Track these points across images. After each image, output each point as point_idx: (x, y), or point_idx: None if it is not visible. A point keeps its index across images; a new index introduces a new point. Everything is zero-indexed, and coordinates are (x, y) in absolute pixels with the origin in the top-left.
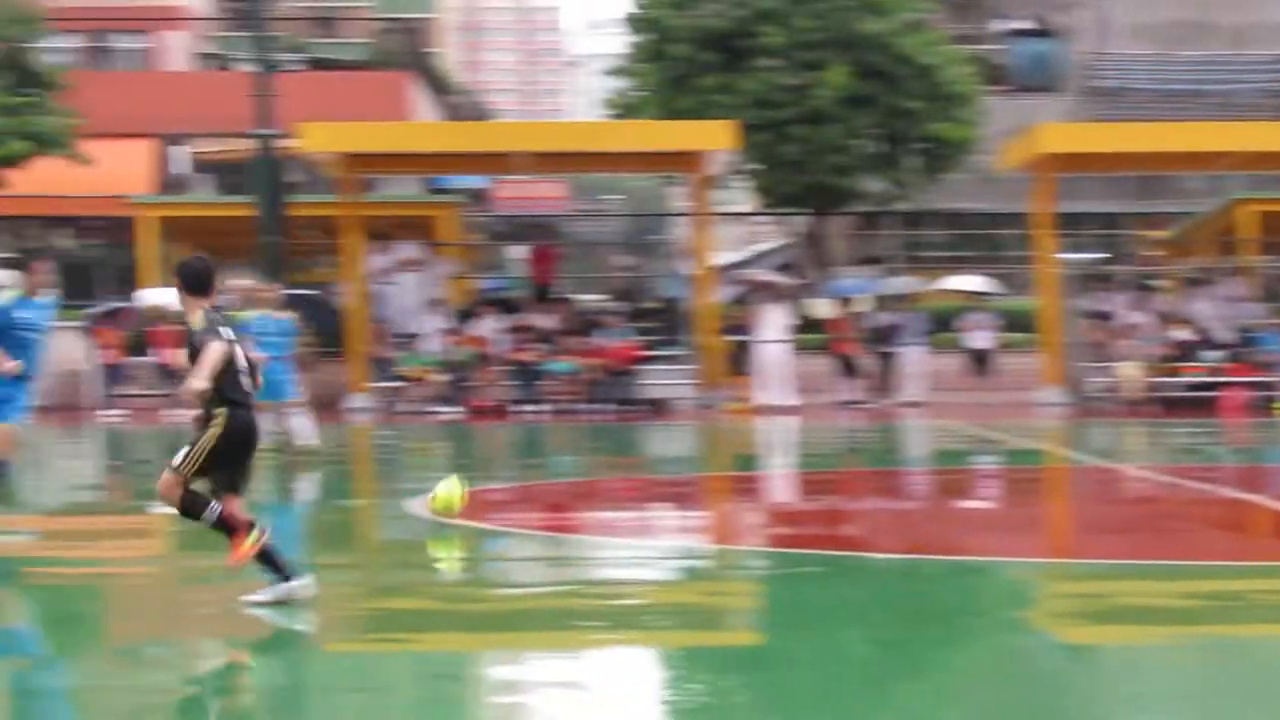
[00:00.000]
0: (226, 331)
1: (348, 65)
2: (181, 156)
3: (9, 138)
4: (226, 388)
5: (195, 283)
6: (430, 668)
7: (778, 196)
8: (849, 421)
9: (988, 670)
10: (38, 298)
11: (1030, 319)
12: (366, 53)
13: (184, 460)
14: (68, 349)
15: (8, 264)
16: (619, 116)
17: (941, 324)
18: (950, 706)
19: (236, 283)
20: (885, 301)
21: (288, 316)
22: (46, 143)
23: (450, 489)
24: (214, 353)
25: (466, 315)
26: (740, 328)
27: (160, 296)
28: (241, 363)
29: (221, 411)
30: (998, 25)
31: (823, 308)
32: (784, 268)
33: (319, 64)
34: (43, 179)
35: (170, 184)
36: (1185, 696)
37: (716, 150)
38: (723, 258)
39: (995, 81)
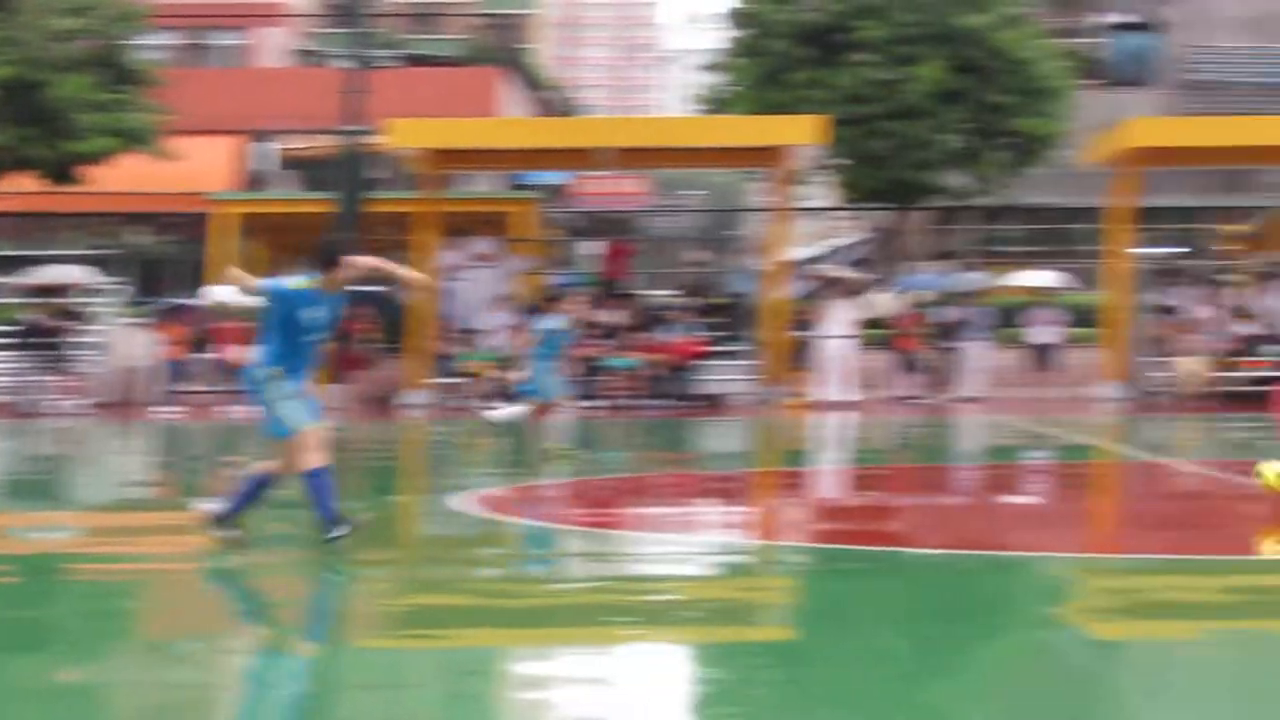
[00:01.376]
0: None
1: (443, 61)
2: (268, 153)
3: (96, 134)
4: None
5: None
6: (461, 664)
7: (860, 191)
8: (905, 417)
9: (1017, 666)
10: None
11: (1097, 314)
12: (463, 49)
13: None
14: (130, 345)
15: None
16: (709, 112)
17: (1007, 320)
18: (978, 702)
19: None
20: (953, 297)
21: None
22: (133, 139)
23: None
24: None
25: (532, 311)
26: (807, 323)
27: (225, 293)
28: None
29: None
30: (1096, 19)
31: (888, 303)
32: (858, 263)
33: (415, 60)
34: (126, 176)
35: (253, 180)
36: (1215, 692)
37: (803, 146)
38: (798, 253)
39: (1090, 75)
